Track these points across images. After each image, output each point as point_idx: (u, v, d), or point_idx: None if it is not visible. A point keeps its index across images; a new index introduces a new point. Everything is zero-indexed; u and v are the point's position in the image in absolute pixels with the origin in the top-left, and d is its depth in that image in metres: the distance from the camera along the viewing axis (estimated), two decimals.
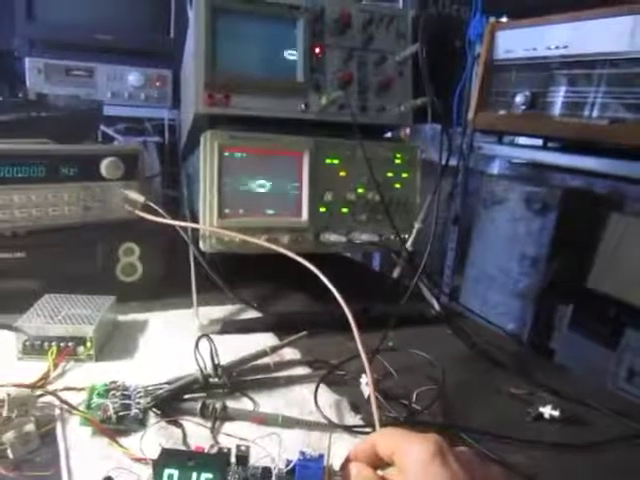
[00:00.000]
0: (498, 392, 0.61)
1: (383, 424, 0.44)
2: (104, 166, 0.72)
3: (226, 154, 0.70)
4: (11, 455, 0.42)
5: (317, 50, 0.75)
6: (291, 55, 0.74)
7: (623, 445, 0.52)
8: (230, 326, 0.70)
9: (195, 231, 0.73)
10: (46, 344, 0.56)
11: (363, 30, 0.77)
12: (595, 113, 1.14)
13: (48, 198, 0.69)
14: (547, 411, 0.55)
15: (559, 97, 1.22)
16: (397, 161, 0.79)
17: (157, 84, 1.48)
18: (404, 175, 0.79)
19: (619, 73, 1.10)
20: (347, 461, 0.39)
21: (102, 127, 1.17)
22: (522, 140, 1.52)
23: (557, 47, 1.21)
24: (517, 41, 1.32)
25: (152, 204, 0.74)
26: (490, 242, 1.50)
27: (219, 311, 0.74)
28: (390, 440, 0.36)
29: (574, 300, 1.31)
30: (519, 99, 1.28)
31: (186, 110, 0.89)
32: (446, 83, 1.53)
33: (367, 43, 0.77)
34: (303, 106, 0.75)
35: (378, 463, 0.37)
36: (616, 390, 1.12)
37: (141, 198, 0.73)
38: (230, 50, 0.71)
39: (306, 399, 0.54)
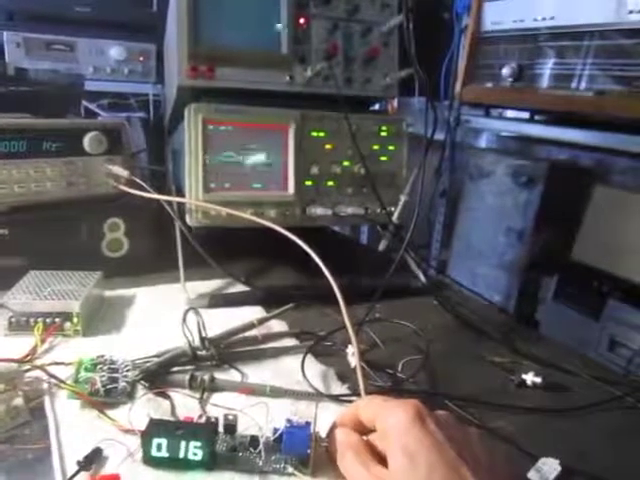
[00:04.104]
0: (482, 361, 0.62)
1: (369, 393, 0.45)
2: (87, 141, 0.71)
3: (210, 127, 0.69)
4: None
5: (302, 21, 0.74)
6: (275, 26, 0.73)
7: (602, 409, 0.53)
8: (218, 300, 0.70)
9: (181, 206, 0.72)
10: (32, 320, 0.56)
11: (348, 0, 0.76)
12: (582, 85, 1.14)
13: (30, 174, 0.68)
14: (529, 378, 0.57)
15: (546, 69, 1.22)
16: (383, 134, 0.79)
17: (140, 58, 1.45)
18: (390, 148, 0.79)
19: (606, 44, 1.09)
20: (333, 427, 0.40)
21: (85, 103, 1.15)
22: (509, 113, 1.51)
23: (544, 18, 1.20)
24: (504, 12, 1.30)
25: (137, 179, 0.73)
26: (477, 215, 1.51)
27: (207, 285, 0.75)
28: (372, 407, 0.37)
29: (559, 272, 1.32)
30: (506, 71, 1.27)
31: (170, 84, 0.88)
32: (433, 55, 1.52)
33: (352, 13, 0.76)
34: (288, 78, 0.74)
35: (362, 429, 0.38)
36: (598, 359, 1.14)
37: (125, 173, 0.73)
38: (213, 21, 0.70)
39: (293, 370, 0.55)
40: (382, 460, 0.34)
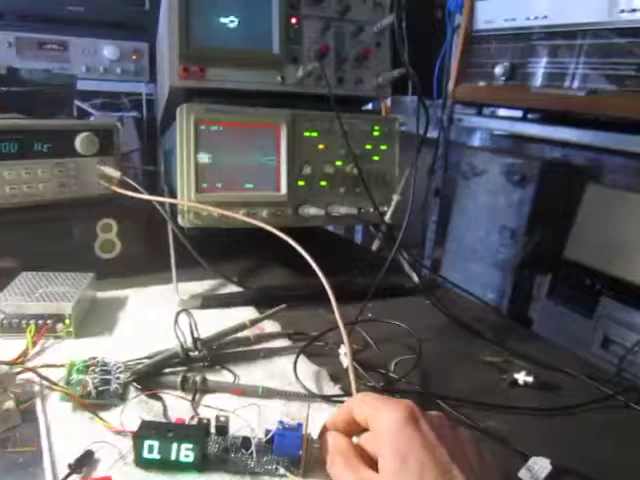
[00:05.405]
0: (475, 360, 0.62)
1: None
2: (78, 141, 0.70)
3: (202, 127, 0.69)
4: None
5: (293, 21, 0.74)
6: (267, 26, 0.73)
7: (593, 408, 0.54)
8: (210, 301, 0.70)
9: (174, 207, 0.72)
10: (24, 322, 0.56)
11: (339, 0, 0.76)
12: (575, 84, 1.14)
13: (21, 175, 0.67)
14: (521, 377, 0.57)
15: (539, 68, 1.22)
16: (375, 133, 0.79)
17: (133, 57, 1.44)
18: (383, 147, 0.79)
19: (598, 43, 1.10)
20: (324, 429, 0.40)
21: (78, 103, 1.14)
22: (502, 112, 1.52)
23: (536, 17, 1.20)
24: (497, 11, 1.30)
25: (128, 180, 0.73)
26: (470, 214, 1.51)
27: (199, 286, 0.75)
28: (365, 405, 0.37)
29: (552, 270, 1.33)
30: (499, 70, 1.27)
31: (162, 84, 0.88)
32: (426, 54, 1.52)
33: (344, 13, 0.76)
34: (280, 78, 0.74)
35: (355, 428, 0.38)
36: (591, 357, 1.15)
37: (117, 174, 0.72)
38: (205, 22, 0.70)
39: (286, 370, 0.55)
40: (373, 464, 0.34)
